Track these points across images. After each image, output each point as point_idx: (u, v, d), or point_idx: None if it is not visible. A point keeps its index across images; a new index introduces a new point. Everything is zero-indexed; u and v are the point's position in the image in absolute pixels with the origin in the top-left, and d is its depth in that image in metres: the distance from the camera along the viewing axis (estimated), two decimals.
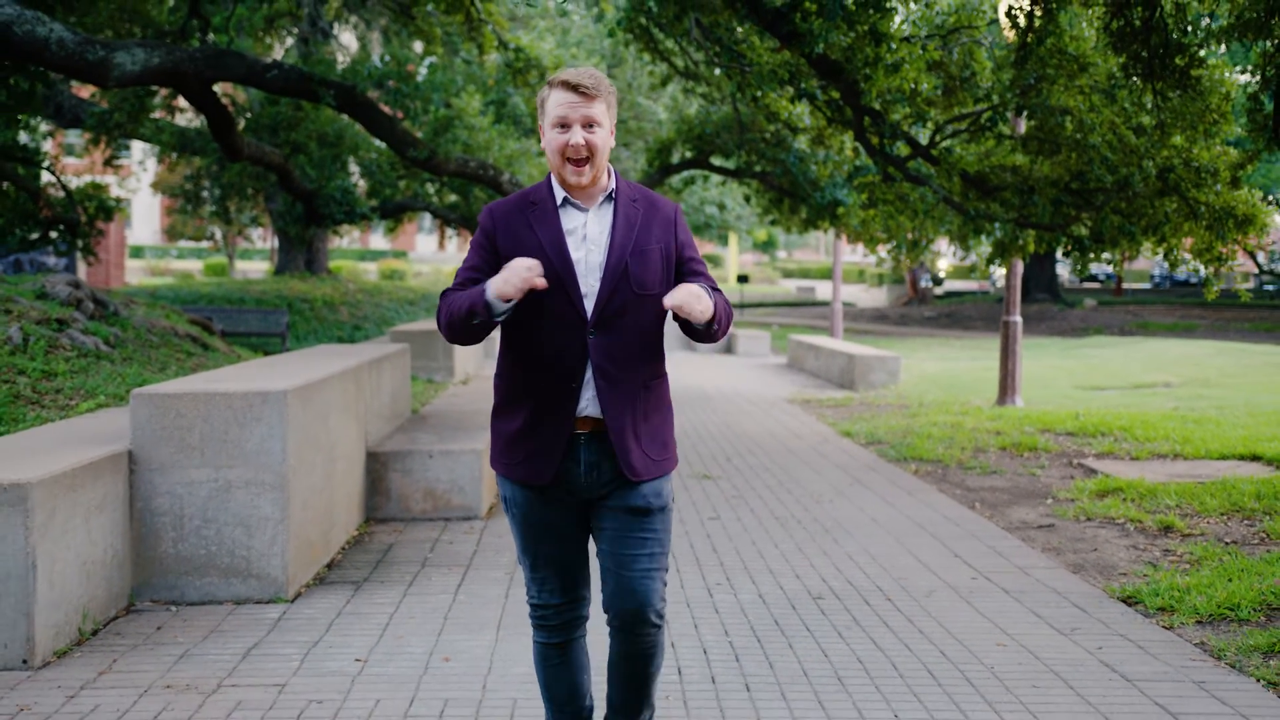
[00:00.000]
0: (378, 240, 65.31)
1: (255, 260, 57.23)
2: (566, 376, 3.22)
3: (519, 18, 16.89)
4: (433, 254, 65.68)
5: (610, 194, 3.29)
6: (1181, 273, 54.33)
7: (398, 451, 7.49)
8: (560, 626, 3.41)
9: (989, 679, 4.55)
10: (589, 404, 3.24)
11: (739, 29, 10.66)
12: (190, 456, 5.49)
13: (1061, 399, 14.56)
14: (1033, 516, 7.75)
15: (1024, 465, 9.70)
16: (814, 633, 5.15)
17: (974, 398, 14.61)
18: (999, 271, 44.95)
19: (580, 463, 3.26)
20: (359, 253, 60.94)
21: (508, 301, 3.09)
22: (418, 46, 21.39)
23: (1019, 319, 13.71)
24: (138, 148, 26.72)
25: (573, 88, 3.17)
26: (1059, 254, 11.33)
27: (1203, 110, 9.68)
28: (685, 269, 3.36)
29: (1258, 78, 9.28)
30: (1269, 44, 8.97)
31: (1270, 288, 47.73)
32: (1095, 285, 54.40)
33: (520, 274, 3.04)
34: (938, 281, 53.81)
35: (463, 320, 3.16)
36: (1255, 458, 9.61)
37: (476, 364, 17.16)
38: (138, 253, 56.51)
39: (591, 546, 3.46)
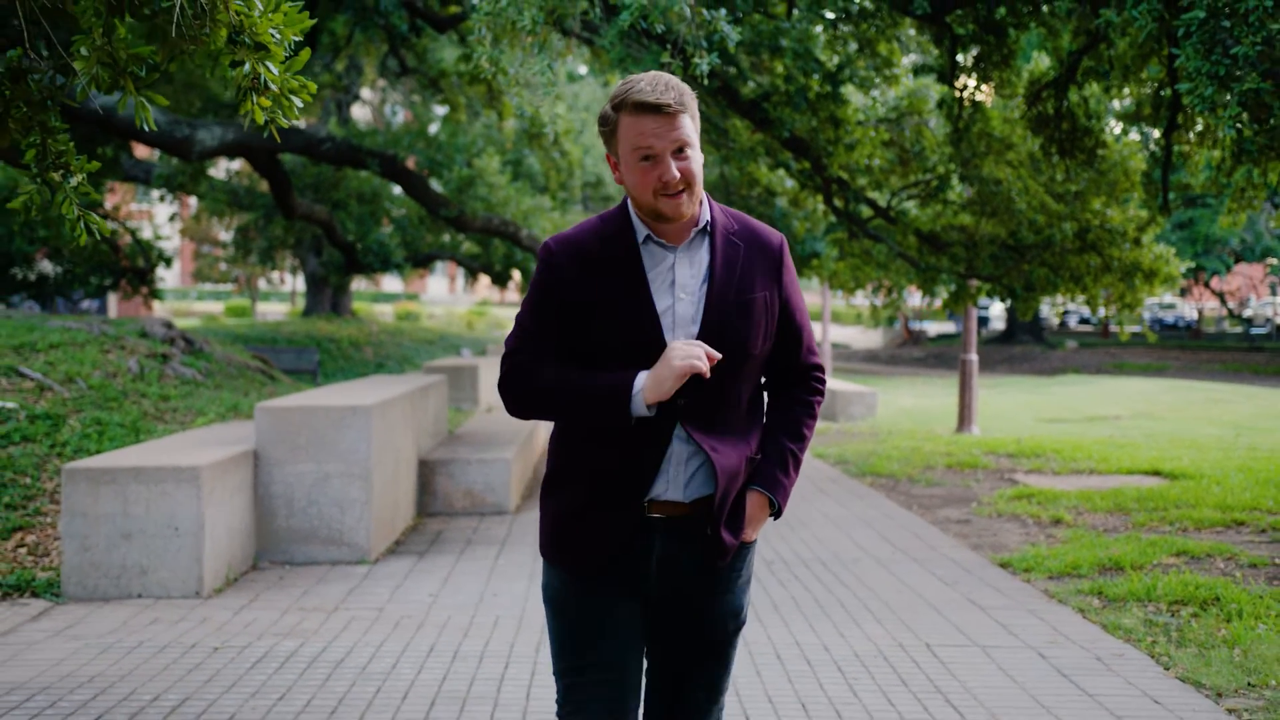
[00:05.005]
0: (391, 283, 67.38)
1: (274, 302, 59.37)
2: (645, 450, 2.62)
3: (532, 85, 18.85)
4: (444, 296, 67.90)
5: (705, 227, 2.66)
6: (1169, 316, 56.48)
7: (443, 459, 9.34)
8: None
9: (882, 607, 6.38)
10: (669, 486, 2.64)
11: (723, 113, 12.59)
12: (299, 454, 7.35)
13: (1017, 428, 16.38)
14: (956, 514, 9.56)
15: (963, 479, 11.51)
16: (761, 582, 6.97)
17: (938, 427, 16.44)
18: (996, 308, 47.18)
19: (653, 553, 2.66)
20: (373, 295, 63.01)
21: (651, 408, 2.57)
22: (438, 109, 23.44)
23: (975, 357, 15.62)
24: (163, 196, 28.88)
25: (653, 108, 2.50)
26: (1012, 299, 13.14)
27: (1111, 182, 11.60)
28: (788, 335, 2.76)
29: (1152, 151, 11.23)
30: (1158, 130, 10.90)
31: (1257, 330, 49.76)
32: (1087, 328, 56.34)
33: (677, 374, 2.51)
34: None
35: (581, 416, 2.64)
36: (1156, 473, 11.42)
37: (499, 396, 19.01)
38: (159, 295, 58.57)
39: None
